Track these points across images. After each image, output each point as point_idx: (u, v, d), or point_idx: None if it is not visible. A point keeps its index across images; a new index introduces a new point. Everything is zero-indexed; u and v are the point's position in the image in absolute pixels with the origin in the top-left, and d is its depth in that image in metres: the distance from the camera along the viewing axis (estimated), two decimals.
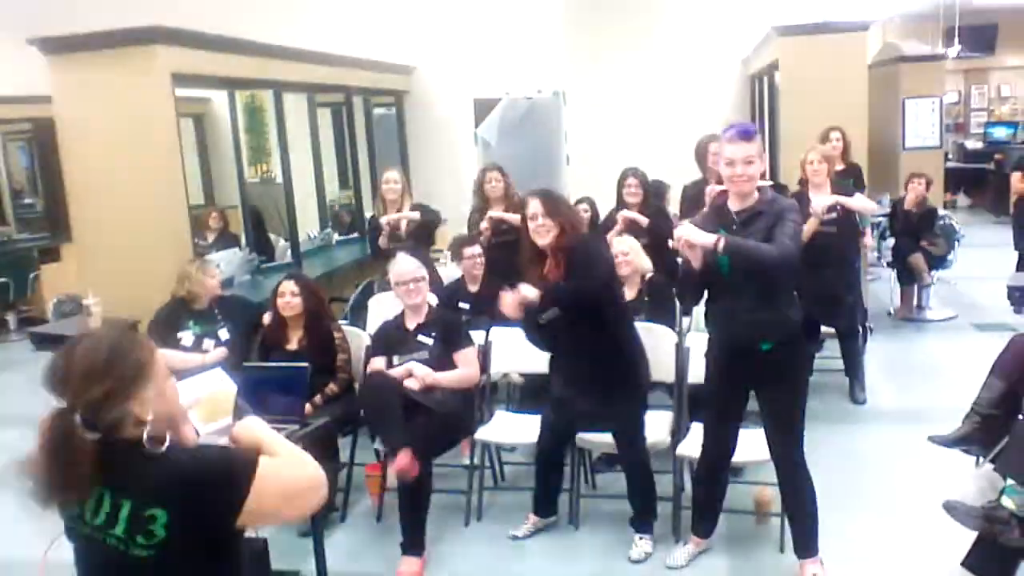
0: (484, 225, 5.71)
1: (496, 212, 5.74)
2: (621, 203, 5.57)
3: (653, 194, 5.80)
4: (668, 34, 9.61)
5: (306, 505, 1.88)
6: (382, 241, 5.79)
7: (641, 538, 3.82)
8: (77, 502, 1.80)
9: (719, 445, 3.55)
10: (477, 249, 5.30)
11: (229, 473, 1.79)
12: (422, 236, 5.90)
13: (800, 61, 7.03)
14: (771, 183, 3.71)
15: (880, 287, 7.79)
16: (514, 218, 5.61)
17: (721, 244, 3.17)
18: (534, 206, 3.68)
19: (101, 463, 1.74)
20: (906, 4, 12.88)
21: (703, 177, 5.47)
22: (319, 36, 7.85)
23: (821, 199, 5.14)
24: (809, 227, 5.05)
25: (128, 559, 1.78)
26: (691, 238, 3.22)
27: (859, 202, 5.39)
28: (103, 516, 1.78)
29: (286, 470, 1.83)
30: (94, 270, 5.39)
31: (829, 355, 5.75)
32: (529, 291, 3.61)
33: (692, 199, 5.37)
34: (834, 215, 5.19)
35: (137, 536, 1.76)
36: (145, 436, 1.80)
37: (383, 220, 5.83)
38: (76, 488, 1.77)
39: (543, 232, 3.66)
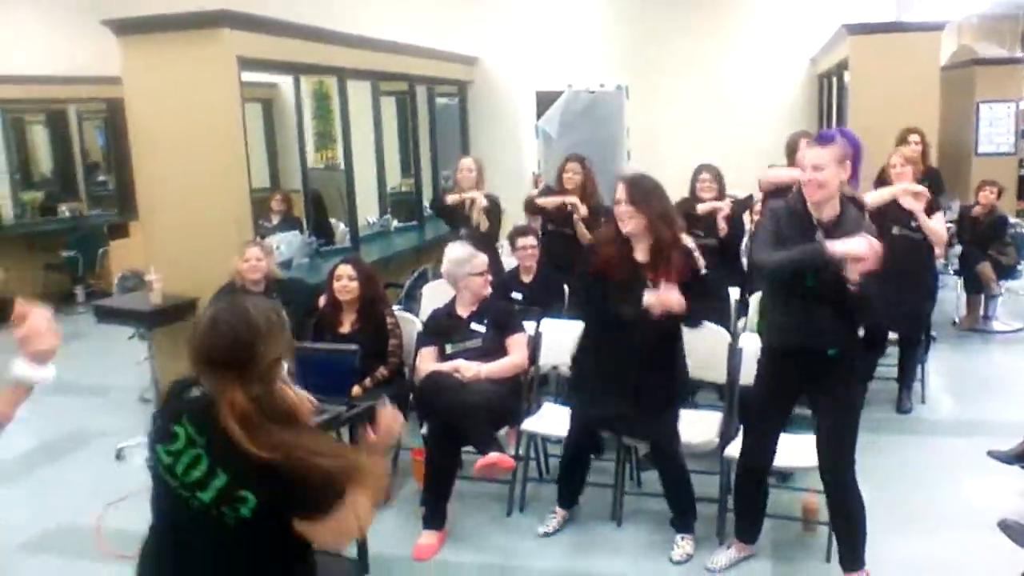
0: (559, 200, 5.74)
1: (548, 199, 5.74)
2: (694, 198, 5.49)
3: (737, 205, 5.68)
4: (734, 30, 9.47)
5: (340, 545, 2.12)
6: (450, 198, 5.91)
7: (683, 538, 3.78)
8: (171, 451, 1.86)
9: (763, 449, 3.49)
10: (532, 240, 5.30)
11: (324, 489, 1.84)
12: (493, 225, 5.96)
13: (871, 61, 6.86)
14: (852, 197, 3.55)
15: (946, 295, 7.56)
16: (580, 227, 5.61)
17: (856, 277, 3.05)
18: (619, 191, 3.57)
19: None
20: (983, 5, 12.51)
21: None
22: (384, 24, 7.92)
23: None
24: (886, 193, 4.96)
25: (206, 522, 1.85)
26: (858, 252, 3.03)
27: (934, 225, 5.08)
28: (195, 477, 1.85)
29: (354, 515, 1.91)
30: (158, 247, 5.52)
31: (885, 362, 5.61)
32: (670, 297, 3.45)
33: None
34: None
35: (223, 507, 1.83)
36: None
37: (449, 198, 5.95)
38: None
39: (625, 218, 3.53)
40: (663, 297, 3.43)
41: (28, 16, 9.31)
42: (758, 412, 3.53)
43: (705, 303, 3.67)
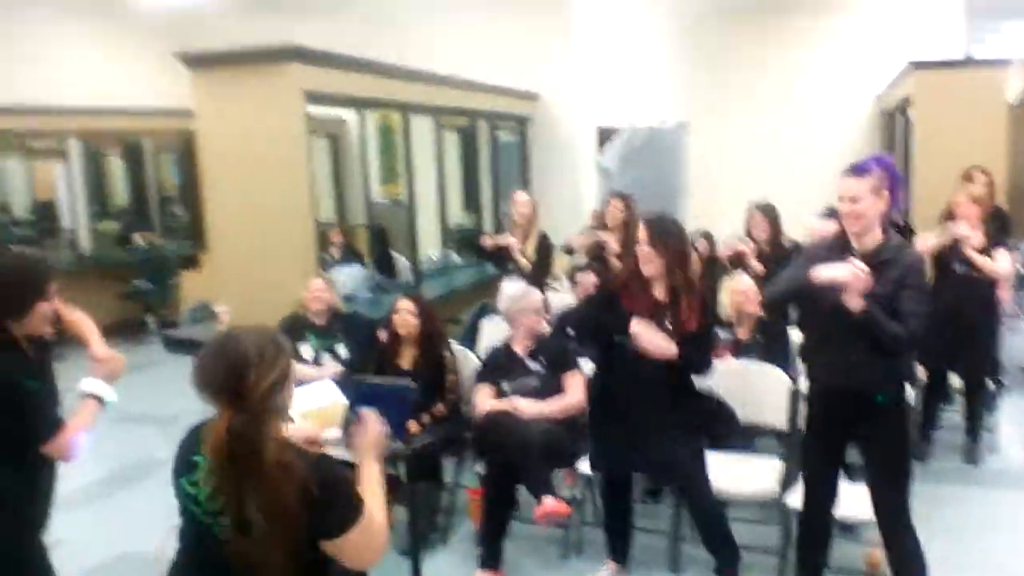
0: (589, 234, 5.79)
1: (580, 238, 5.80)
2: (749, 237, 5.46)
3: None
4: (798, 66, 9.44)
5: (367, 564, 2.05)
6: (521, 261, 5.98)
7: None
8: (193, 481, 1.92)
9: (822, 496, 3.41)
10: (591, 277, 5.31)
11: (341, 503, 1.92)
12: (544, 264, 6.02)
13: (936, 97, 6.77)
14: (898, 225, 3.49)
15: (1017, 341, 7.35)
16: (584, 239, 5.78)
17: (860, 308, 3.00)
18: (641, 231, 3.55)
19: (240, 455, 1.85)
20: None
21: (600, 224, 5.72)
22: (448, 60, 8.05)
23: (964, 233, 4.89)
24: (935, 242, 4.88)
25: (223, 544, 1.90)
26: (846, 280, 2.98)
27: (994, 264, 4.91)
28: (218, 505, 1.90)
29: (375, 530, 1.98)
30: (226, 279, 5.67)
31: (951, 409, 5.47)
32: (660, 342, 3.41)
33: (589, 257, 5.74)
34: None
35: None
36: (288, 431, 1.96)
37: (486, 242, 6.11)
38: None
39: (644, 261, 3.50)
40: (647, 335, 3.38)
41: (106, 50, 9.69)
42: (810, 456, 3.47)
43: (704, 354, 3.57)
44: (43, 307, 2.55)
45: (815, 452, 3.44)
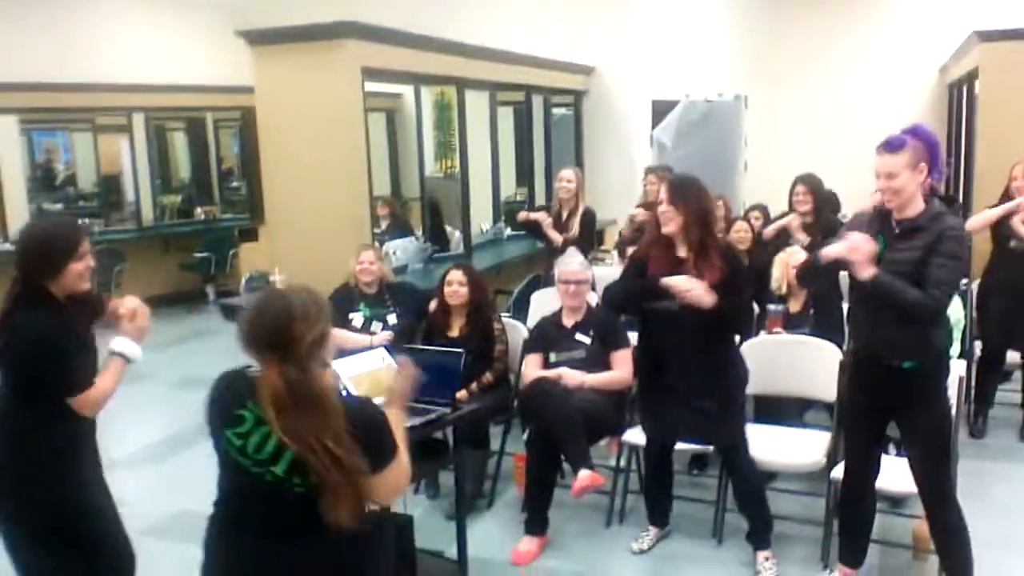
0: (638, 216, 5.74)
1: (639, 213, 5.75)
2: (792, 210, 5.42)
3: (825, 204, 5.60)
4: (860, 38, 9.22)
5: (392, 497, 2.26)
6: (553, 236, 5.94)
7: (765, 558, 3.70)
8: (240, 433, 2.03)
9: (861, 466, 3.38)
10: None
11: (384, 441, 2.08)
12: (587, 238, 5.99)
13: (1002, 69, 6.54)
14: (943, 197, 3.41)
15: None
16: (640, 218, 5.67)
17: (870, 275, 3.01)
18: (663, 191, 3.57)
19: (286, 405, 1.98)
20: None
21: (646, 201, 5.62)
22: (502, 35, 8.06)
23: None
24: (990, 215, 4.81)
25: (282, 492, 2.02)
26: (849, 253, 3.05)
27: None
28: (268, 452, 2.01)
29: (405, 467, 2.15)
30: (282, 250, 5.79)
31: (1010, 387, 5.37)
32: (690, 284, 3.41)
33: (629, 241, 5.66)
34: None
35: (294, 477, 2.00)
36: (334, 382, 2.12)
37: (520, 216, 6.16)
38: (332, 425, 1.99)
39: (665, 218, 3.52)
40: (683, 283, 3.38)
41: (170, 28, 9.89)
42: (849, 427, 3.45)
43: (737, 303, 3.56)
44: (76, 267, 2.67)
45: (853, 423, 3.41)
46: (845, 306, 4.68)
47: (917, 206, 3.09)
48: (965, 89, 7.93)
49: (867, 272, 3.02)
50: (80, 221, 3.06)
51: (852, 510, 3.48)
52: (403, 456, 2.13)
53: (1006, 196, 5.02)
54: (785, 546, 3.83)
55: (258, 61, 5.77)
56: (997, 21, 7.54)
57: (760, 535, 3.75)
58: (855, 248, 3.03)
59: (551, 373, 4.15)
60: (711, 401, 3.55)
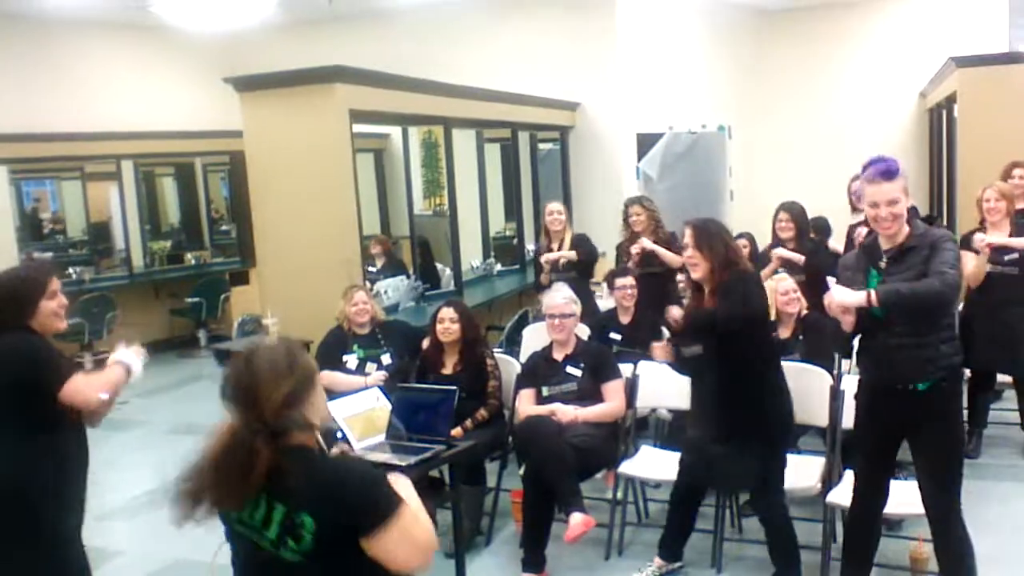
0: (634, 250, 5.79)
1: (647, 243, 5.78)
2: (775, 238, 5.50)
3: (814, 229, 5.69)
4: (839, 66, 9.38)
5: (416, 561, 1.96)
6: (543, 278, 5.98)
7: None
8: (240, 506, 1.95)
9: (871, 494, 3.38)
10: (629, 280, 5.34)
11: (377, 496, 1.92)
12: (581, 270, 6.05)
13: (979, 94, 6.68)
14: (923, 216, 3.47)
15: None
16: (663, 252, 5.66)
17: (874, 298, 3.04)
18: (686, 236, 3.62)
19: (268, 469, 1.87)
20: None
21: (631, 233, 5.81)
22: (488, 74, 8.16)
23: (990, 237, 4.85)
24: (978, 264, 4.82)
25: (279, 562, 1.92)
26: (842, 302, 3.12)
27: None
28: (258, 518, 1.93)
29: (419, 523, 1.96)
30: (274, 292, 5.81)
31: (1005, 407, 5.39)
32: (675, 312, 3.58)
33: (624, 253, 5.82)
34: (1015, 255, 4.86)
35: (288, 539, 1.90)
36: (316, 440, 1.97)
37: (542, 259, 6.04)
38: (245, 494, 1.90)
39: (691, 264, 3.60)
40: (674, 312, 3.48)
41: (157, 75, 9.97)
42: (863, 454, 3.44)
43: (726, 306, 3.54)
44: (48, 305, 2.80)
45: (865, 452, 3.40)
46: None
47: (905, 230, 3.13)
48: (944, 113, 8.06)
49: (862, 300, 3.06)
50: (55, 266, 3.22)
51: (859, 536, 3.46)
52: (414, 515, 1.96)
53: (982, 222, 5.10)
54: None
55: (246, 106, 5.84)
56: (973, 47, 7.70)
57: (785, 572, 3.71)
58: (837, 304, 3.12)
59: (544, 409, 4.16)
60: (744, 442, 3.54)
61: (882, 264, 3.15)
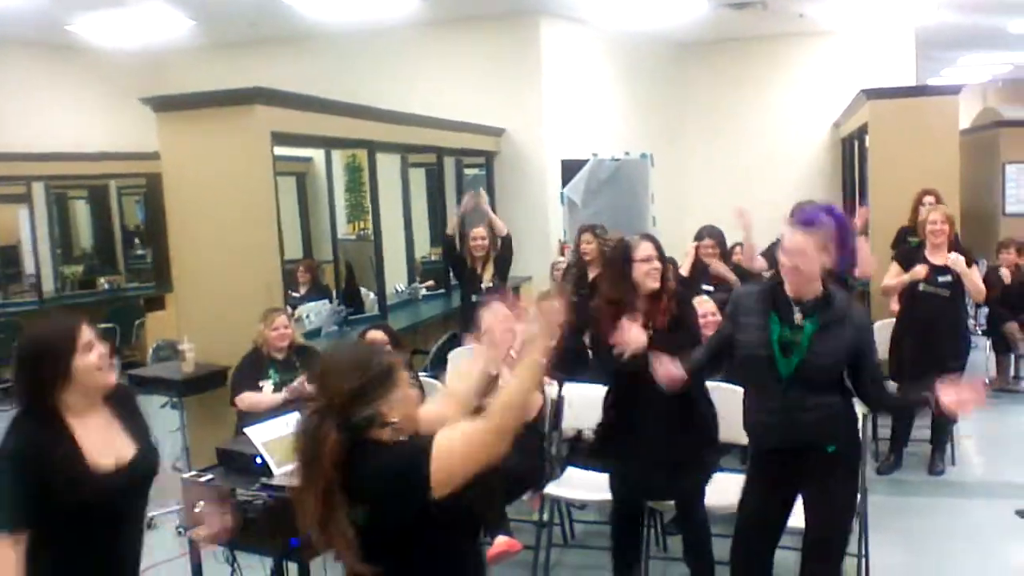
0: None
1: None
2: (697, 262, 5.59)
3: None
4: (758, 96, 9.66)
5: (486, 454, 2.05)
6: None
7: None
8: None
9: (762, 543, 3.18)
10: (555, 304, 5.33)
11: (410, 459, 2.00)
12: (503, 267, 6.23)
13: (889, 125, 6.93)
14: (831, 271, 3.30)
15: (975, 356, 7.49)
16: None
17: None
18: (647, 248, 3.55)
19: (337, 461, 1.96)
20: (1005, 69, 12.61)
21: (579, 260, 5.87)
22: (413, 99, 8.15)
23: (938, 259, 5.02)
24: (899, 284, 4.99)
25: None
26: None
27: (973, 276, 5.08)
28: None
29: (459, 433, 2.03)
30: (191, 317, 5.64)
31: (916, 423, 5.57)
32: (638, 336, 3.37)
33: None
34: (949, 278, 5.02)
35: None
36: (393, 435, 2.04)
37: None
38: (314, 481, 1.98)
39: (655, 275, 3.53)
40: (621, 334, 3.36)
41: (71, 95, 9.70)
42: (750, 520, 3.20)
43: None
44: (83, 361, 2.33)
45: (755, 514, 3.18)
46: None
47: (815, 288, 2.97)
48: (856, 143, 8.36)
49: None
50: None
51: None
52: (456, 429, 2.05)
53: (903, 233, 5.29)
54: None
55: (163, 127, 5.69)
56: (884, 80, 8.01)
57: None
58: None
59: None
60: (681, 457, 3.52)
61: (797, 317, 2.96)
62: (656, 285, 3.56)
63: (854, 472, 3.13)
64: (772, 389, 2.99)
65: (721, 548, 3.86)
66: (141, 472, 2.49)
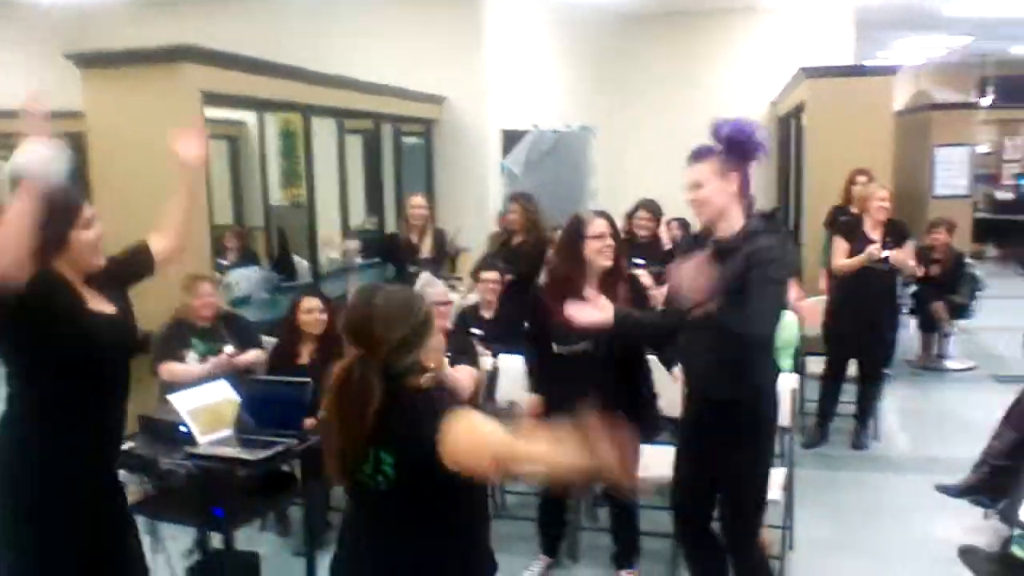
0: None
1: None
2: (630, 235, 5.58)
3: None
4: (697, 73, 9.69)
5: (482, 467, 1.94)
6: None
7: (629, 574, 3.76)
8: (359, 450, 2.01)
9: (696, 509, 3.13)
10: (494, 275, 5.30)
11: (434, 410, 1.98)
12: (441, 259, 6.06)
13: (826, 104, 7.02)
14: (763, 212, 3.27)
15: (902, 334, 7.68)
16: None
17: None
18: (600, 225, 3.47)
19: (383, 411, 1.94)
20: (940, 52, 12.86)
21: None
22: (351, 63, 7.97)
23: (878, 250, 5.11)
24: (856, 263, 5.06)
25: (372, 491, 2.03)
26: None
27: (904, 256, 5.21)
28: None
29: (480, 422, 1.98)
30: None
31: (841, 398, 5.68)
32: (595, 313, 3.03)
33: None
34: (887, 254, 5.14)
35: (378, 476, 2.01)
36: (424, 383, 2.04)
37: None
38: (361, 433, 1.97)
39: (608, 253, 3.45)
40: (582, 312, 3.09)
41: None
42: (680, 465, 3.16)
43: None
44: (81, 236, 2.46)
45: (684, 461, 3.13)
46: None
47: (733, 223, 2.86)
48: (793, 122, 8.44)
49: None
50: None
51: (696, 555, 3.23)
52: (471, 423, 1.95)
53: (841, 212, 5.36)
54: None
55: (88, 85, 5.46)
56: (822, 59, 8.09)
57: (631, 557, 3.79)
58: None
59: None
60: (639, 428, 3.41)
61: (712, 254, 2.85)
62: (608, 263, 3.49)
63: (753, 436, 2.93)
64: (686, 334, 2.97)
65: (648, 520, 3.92)
66: (128, 329, 2.70)
